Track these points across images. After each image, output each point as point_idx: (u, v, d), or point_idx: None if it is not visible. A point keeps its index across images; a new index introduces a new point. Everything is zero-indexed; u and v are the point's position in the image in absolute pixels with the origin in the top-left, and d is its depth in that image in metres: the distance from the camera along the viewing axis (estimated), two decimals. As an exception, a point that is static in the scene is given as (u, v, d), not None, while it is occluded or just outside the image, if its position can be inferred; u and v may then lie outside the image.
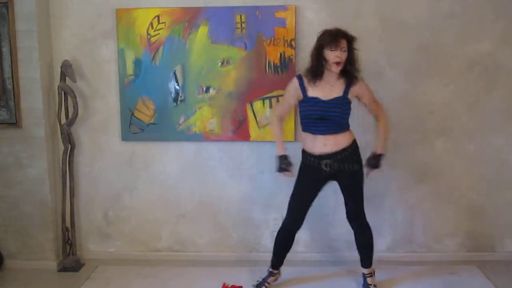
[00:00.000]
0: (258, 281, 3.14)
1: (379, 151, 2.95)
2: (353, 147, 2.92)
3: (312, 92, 2.84)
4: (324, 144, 2.84)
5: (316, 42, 2.82)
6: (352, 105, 2.89)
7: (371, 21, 3.33)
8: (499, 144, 3.44)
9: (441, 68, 3.38)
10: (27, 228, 3.45)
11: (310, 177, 2.92)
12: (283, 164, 2.93)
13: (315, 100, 2.82)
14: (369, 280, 3.09)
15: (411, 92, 3.41)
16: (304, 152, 2.95)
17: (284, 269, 3.34)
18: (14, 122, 3.34)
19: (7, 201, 3.43)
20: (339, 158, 2.85)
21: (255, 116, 3.43)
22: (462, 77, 3.38)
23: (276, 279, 3.15)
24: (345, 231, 3.52)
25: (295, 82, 2.90)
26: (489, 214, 3.51)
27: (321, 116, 2.80)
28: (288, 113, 3.09)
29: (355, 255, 3.53)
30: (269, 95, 3.40)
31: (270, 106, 3.41)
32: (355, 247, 3.54)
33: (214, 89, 3.43)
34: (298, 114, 2.97)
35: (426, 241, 3.55)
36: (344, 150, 2.86)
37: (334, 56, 2.75)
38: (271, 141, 3.42)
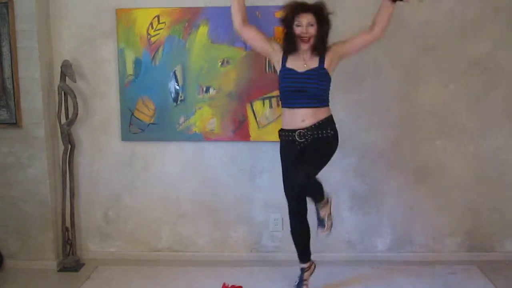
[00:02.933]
0: (296, 282, 3.04)
1: None
2: (330, 119, 2.83)
3: (289, 63, 2.79)
4: (302, 120, 2.76)
5: (282, 21, 2.79)
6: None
7: (371, 21, 3.33)
8: (499, 144, 3.44)
9: (441, 68, 3.38)
10: (27, 228, 3.45)
11: (289, 155, 2.84)
12: None
13: (291, 71, 2.76)
14: (322, 212, 2.89)
15: (411, 92, 3.41)
16: (281, 130, 2.88)
17: (284, 269, 3.34)
18: (14, 122, 3.33)
19: (7, 201, 3.43)
20: (313, 127, 2.76)
21: (255, 116, 3.43)
22: (462, 77, 3.38)
23: (311, 272, 3.05)
24: (344, 232, 3.53)
25: (280, 47, 2.85)
26: (489, 214, 3.50)
27: (298, 89, 2.73)
28: (246, 21, 2.86)
29: (355, 255, 3.54)
30: (269, 95, 3.40)
31: (270, 106, 3.41)
32: (357, 247, 3.56)
33: (214, 89, 3.43)
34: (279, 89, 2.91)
35: (426, 241, 3.54)
36: (320, 121, 2.78)
37: (299, 31, 2.69)
38: (271, 141, 3.42)
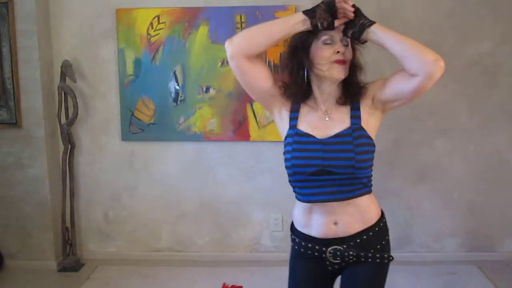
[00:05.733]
0: None
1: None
2: (382, 223, 1.70)
3: (302, 122, 1.66)
4: (334, 222, 1.63)
5: (291, 41, 1.67)
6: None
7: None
8: (499, 144, 3.44)
9: (441, 68, 3.38)
10: (27, 228, 3.44)
11: (308, 275, 1.72)
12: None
13: (308, 139, 1.62)
14: None
15: (411, 92, 3.40)
16: (294, 230, 1.75)
17: (284, 269, 3.33)
18: (14, 122, 3.33)
19: (7, 201, 3.42)
20: (359, 242, 1.63)
21: (255, 116, 3.42)
22: (462, 77, 3.38)
23: None
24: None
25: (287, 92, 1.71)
26: (489, 214, 3.50)
27: (320, 168, 1.58)
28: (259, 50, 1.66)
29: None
30: (269, 95, 3.39)
31: (270, 106, 3.40)
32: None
33: (214, 89, 3.43)
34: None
35: (426, 241, 3.54)
36: (370, 228, 1.65)
37: (331, 52, 1.60)
38: (271, 141, 3.42)
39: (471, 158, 3.45)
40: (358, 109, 1.65)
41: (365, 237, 1.63)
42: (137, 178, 3.57)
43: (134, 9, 3.37)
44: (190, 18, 3.36)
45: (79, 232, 3.60)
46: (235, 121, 3.44)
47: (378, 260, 1.64)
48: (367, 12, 3.28)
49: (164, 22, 3.37)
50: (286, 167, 1.65)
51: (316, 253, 1.66)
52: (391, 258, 1.67)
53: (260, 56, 1.69)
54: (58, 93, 3.38)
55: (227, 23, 3.34)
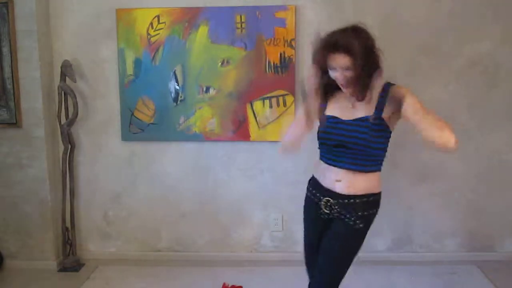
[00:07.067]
0: None
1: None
2: (374, 199, 2.07)
3: (331, 109, 2.10)
4: (337, 179, 2.05)
5: (312, 54, 2.04)
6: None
7: (371, 21, 3.32)
8: (499, 144, 3.44)
9: (441, 68, 3.38)
10: (27, 228, 3.45)
11: (309, 216, 2.21)
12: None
13: (333, 120, 2.05)
14: None
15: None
16: (311, 179, 2.22)
17: (284, 269, 3.34)
18: (14, 122, 3.33)
19: (7, 201, 3.43)
20: (345, 203, 2.04)
21: (255, 116, 3.43)
22: (462, 77, 3.38)
23: None
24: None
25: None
26: (489, 214, 3.51)
27: (339, 143, 2.01)
28: (306, 130, 2.11)
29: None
30: (269, 95, 3.40)
31: (270, 106, 3.40)
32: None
33: (214, 89, 3.43)
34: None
35: (426, 241, 3.55)
36: (358, 197, 2.03)
37: (333, 76, 1.98)
38: (271, 141, 3.42)
39: (471, 158, 3.45)
40: (383, 104, 1.97)
41: (352, 200, 2.02)
42: (137, 178, 3.57)
43: (134, 9, 3.37)
44: (190, 18, 3.36)
45: (79, 232, 3.60)
46: (235, 121, 3.44)
47: (351, 223, 2.03)
48: (367, 12, 3.26)
49: (164, 22, 3.37)
50: (318, 141, 2.11)
51: (315, 200, 2.12)
52: (361, 226, 2.03)
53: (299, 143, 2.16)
54: (58, 93, 3.38)
55: (227, 23, 3.34)
